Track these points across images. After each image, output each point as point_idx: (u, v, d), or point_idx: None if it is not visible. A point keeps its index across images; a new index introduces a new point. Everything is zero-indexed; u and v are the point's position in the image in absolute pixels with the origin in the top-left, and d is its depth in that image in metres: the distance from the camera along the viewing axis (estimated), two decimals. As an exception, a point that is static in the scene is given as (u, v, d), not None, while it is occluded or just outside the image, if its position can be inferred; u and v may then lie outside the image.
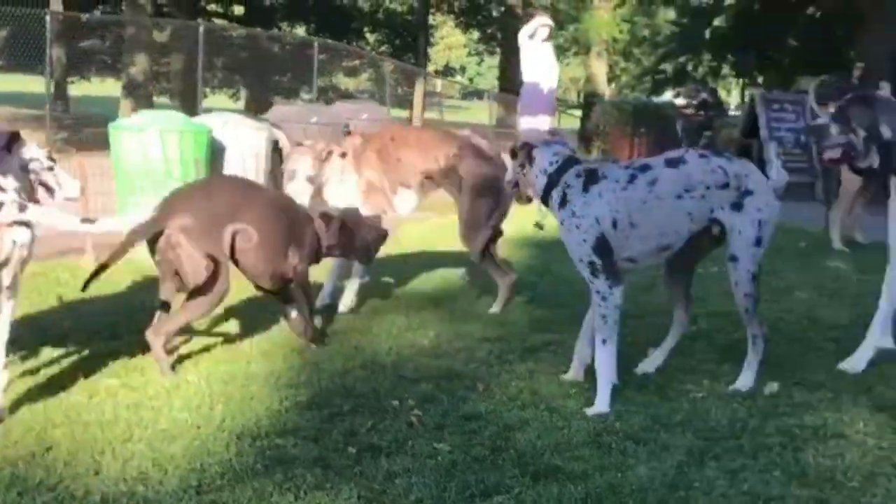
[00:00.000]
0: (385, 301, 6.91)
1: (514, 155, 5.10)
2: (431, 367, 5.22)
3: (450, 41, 70.09)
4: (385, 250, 6.59)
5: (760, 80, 40.82)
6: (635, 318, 6.37)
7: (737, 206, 4.83)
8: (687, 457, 4.06)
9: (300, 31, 39.09)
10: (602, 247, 4.78)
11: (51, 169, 4.97)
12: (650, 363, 5.31)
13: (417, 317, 6.35)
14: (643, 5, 40.70)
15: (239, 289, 6.75)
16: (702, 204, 4.82)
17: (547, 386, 4.94)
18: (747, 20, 37.11)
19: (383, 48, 41.79)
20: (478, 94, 49.22)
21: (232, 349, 5.49)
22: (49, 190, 4.96)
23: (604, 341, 4.79)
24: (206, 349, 5.45)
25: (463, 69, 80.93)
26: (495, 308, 6.64)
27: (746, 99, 17.02)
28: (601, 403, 4.65)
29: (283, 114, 11.12)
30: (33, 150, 4.94)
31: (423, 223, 10.85)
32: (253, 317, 6.24)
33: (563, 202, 4.86)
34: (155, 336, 5.05)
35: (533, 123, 14.40)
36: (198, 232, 5.00)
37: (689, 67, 43.72)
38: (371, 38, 43.62)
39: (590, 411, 4.59)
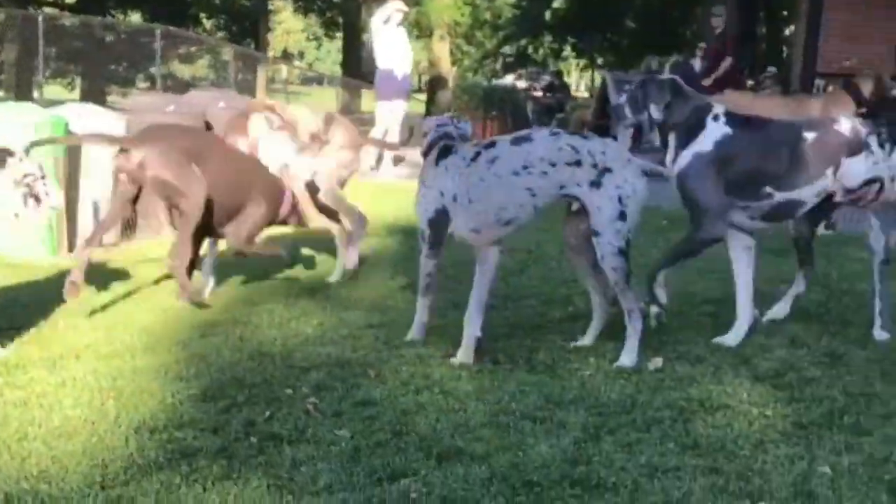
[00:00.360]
0: (261, 291, 6.80)
1: None
2: (320, 355, 5.18)
3: (287, 26, 69.39)
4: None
5: (600, 61, 41.72)
6: (513, 300, 6.49)
7: (595, 184, 4.98)
8: (583, 433, 4.14)
9: (135, 17, 38.09)
10: (439, 219, 5.20)
11: (42, 178, 5.15)
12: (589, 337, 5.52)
13: (297, 306, 6.27)
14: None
15: (115, 282, 6.68)
16: (545, 180, 5.05)
17: (438, 369, 4.96)
18: (586, 2, 37.79)
19: (220, 34, 41.10)
20: (318, 80, 48.82)
21: (114, 344, 5.35)
22: (38, 200, 5.14)
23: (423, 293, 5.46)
24: (88, 346, 5.30)
25: (301, 54, 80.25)
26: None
27: (597, 81, 17.31)
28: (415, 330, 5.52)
29: (141, 103, 10.86)
30: (26, 164, 5.13)
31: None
32: (130, 312, 6.12)
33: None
34: (172, 260, 5.86)
35: (389, 108, 14.51)
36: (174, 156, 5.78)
37: (531, 50, 44.46)
38: (208, 24, 42.81)
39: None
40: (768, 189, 5.43)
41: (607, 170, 4.98)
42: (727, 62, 14.14)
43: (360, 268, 7.25)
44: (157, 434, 4.03)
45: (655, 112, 5.54)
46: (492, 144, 5.23)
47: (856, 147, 5.39)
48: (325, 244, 7.64)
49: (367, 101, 32.31)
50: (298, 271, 7.39)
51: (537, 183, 5.03)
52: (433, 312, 5.59)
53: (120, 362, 4.99)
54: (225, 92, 10.72)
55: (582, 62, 46.46)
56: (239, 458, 3.80)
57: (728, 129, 5.44)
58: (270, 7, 42.62)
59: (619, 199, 4.97)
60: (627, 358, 5.10)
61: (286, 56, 71.00)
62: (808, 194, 5.48)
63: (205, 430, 4.09)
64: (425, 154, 5.37)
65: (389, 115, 14.42)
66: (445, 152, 5.23)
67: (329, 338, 5.53)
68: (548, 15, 40.45)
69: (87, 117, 8.67)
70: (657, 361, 5.11)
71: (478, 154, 5.14)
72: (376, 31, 15.08)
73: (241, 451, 3.87)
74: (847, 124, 5.50)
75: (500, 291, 6.55)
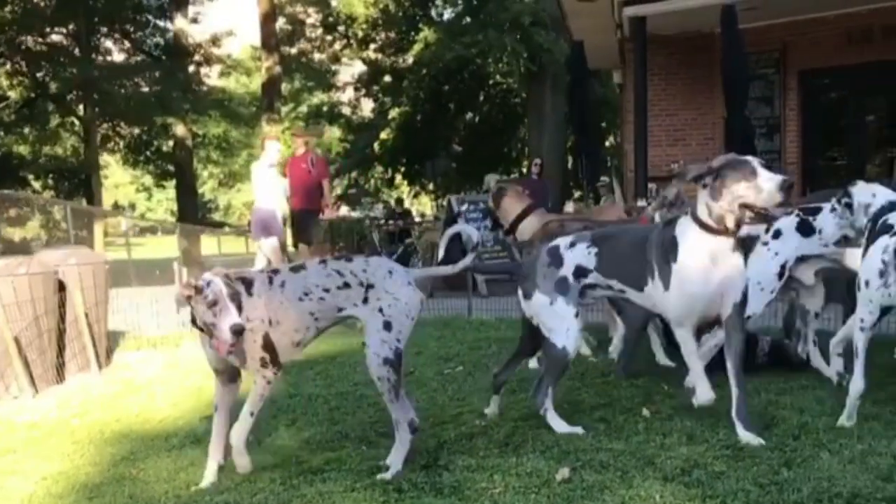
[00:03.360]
0: (143, 444, 6.51)
1: None
2: (218, 504, 4.95)
3: (116, 179, 68.73)
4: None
5: (431, 186, 42.24)
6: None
7: (365, 300, 5.33)
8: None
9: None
10: (269, 342, 5.31)
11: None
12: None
13: (186, 456, 6.00)
14: (309, 126, 41.43)
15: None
16: (323, 304, 5.39)
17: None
18: (411, 131, 38.43)
19: (49, 193, 40.35)
20: (152, 230, 48.28)
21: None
22: None
23: (251, 413, 5.39)
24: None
25: (133, 206, 79.56)
26: None
27: (444, 203, 17.60)
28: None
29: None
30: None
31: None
32: (3, 482, 5.78)
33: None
34: None
35: (268, 244, 14.59)
36: None
37: (362, 181, 44.85)
38: (37, 184, 41.96)
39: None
40: None
41: (370, 286, 5.33)
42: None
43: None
44: None
45: None
46: (277, 271, 5.50)
47: None
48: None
49: (207, 245, 32.05)
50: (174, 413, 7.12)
51: (317, 307, 5.39)
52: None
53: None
54: (76, 249, 10.36)
55: (414, 189, 46.98)
56: None
57: None
58: (101, 162, 42.10)
59: (381, 311, 5.25)
60: (390, 472, 5.15)
61: (117, 208, 70.22)
62: None
63: None
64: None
65: (272, 252, 14.50)
66: (248, 283, 5.35)
67: (224, 485, 5.28)
68: (376, 146, 40.92)
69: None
70: (564, 472, 5.00)
71: (270, 279, 5.39)
72: (258, 173, 15.09)
73: None
74: None
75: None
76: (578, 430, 5.78)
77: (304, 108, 45.07)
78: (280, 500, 4.94)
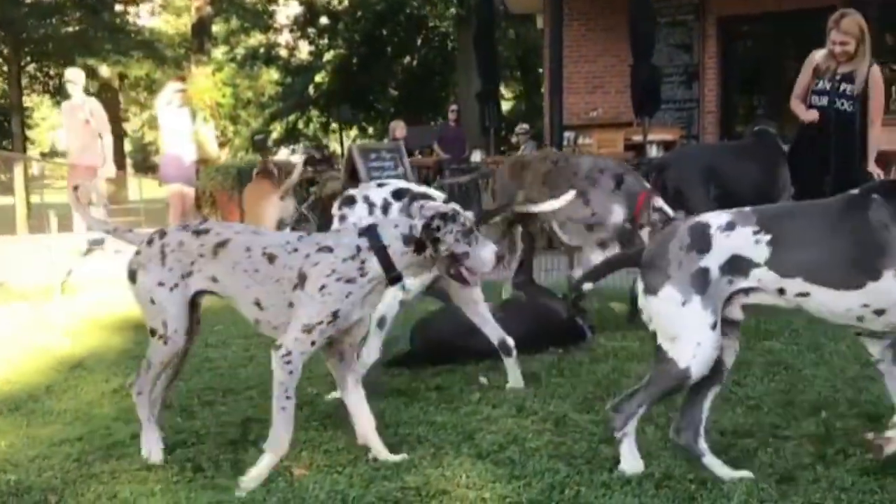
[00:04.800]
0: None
1: None
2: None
3: (53, 122, 67.44)
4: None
5: (371, 130, 41.79)
6: (234, 393, 6.05)
7: None
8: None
9: None
10: None
11: None
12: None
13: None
14: (244, 68, 40.72)
15: None
16: None
17: (129, 485, 4.45)
18: (347, 74, 37.91)
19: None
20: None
21: None
22: None
23: None
24: None
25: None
26: None
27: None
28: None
29: None
30: None
31: None
32: None
33: None
34: None
35: (173, 192, 14.24)
36: None
37: (301, 125, 44.22)
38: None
39: None
40: None
41: None
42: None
43: (75, 372, 6.69)
44: None
45: None
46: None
47: None
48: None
49: (138, 189, 31.42)
50: None
51: None
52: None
53: None
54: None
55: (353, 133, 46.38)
56: None
57: None
58: (29, 104, 41.15)
59: None
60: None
61: (55, 153, 68.89)
62: None
63: None
64: None
65: (178, 199, 14.09)
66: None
67: (14, 461, 4.92)
68: (311, 89, 40.34)
69: None
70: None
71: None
72: (160, 115, 14.70)
73: None
74: None
75: (220, 384, 6.16)
76: (639, 466, 4.34)
77: (240, 51, 44.18)
78: (66, 479, 4.59)
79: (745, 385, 5.61)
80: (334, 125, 42.45)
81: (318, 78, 40.38)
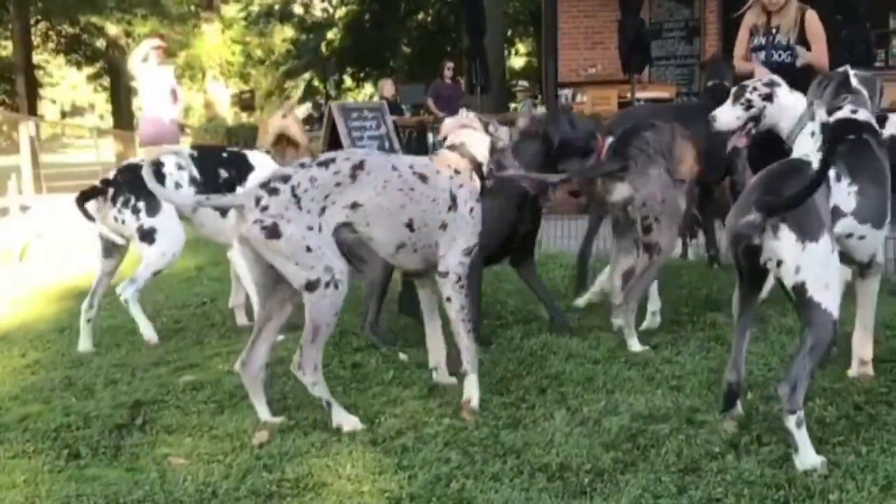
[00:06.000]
0: None
1: None
2: None
3: (73, 81, 67.20)
4: None
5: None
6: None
7: None
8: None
9: None
10: None
11: None
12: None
13: None
14: (256, 25, 40.30)
15: None
16: None
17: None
18: (360, 32, 37.41)
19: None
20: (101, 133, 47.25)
21: None
22: None
23: None
24: None
25: (93, 106, 78.07)
26: None
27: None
28: None
29: None
30: None
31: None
32: None
33: None
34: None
35: (155, 154, 13.74)
36: None
37: (316, 82, 43.80)
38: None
39: None
40: None
41: None
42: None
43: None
44: None
45: None
46: None
47: None
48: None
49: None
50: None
51: None
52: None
53: None
54: None
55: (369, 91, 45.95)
56: None
57: None
58: (40, 62, 40.86)
59: None
60: None
61: (75, 111, 68.93)
62: None
63: None
64: None
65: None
66: None
67: None
68: (323, 47, 39.90)
69: None
70: (263, 435, 4.42)
71: None
72: (137, 74, 14.27)
73: None
74: None
75: (135, 360, 5.88)
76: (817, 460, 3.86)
77: (255, 8, 43.72)
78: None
79: (674, 363, 5.25)
80: (349, 83, 42.11)
81: (330, 35, 39.88)
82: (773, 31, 7.43)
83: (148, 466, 4.15)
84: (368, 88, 42.53)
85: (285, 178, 4.32)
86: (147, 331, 6.32)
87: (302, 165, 4.44)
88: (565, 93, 16.60)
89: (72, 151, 39.65)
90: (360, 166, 4.39)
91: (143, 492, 3.87)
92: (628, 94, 15.08)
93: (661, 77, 16.95)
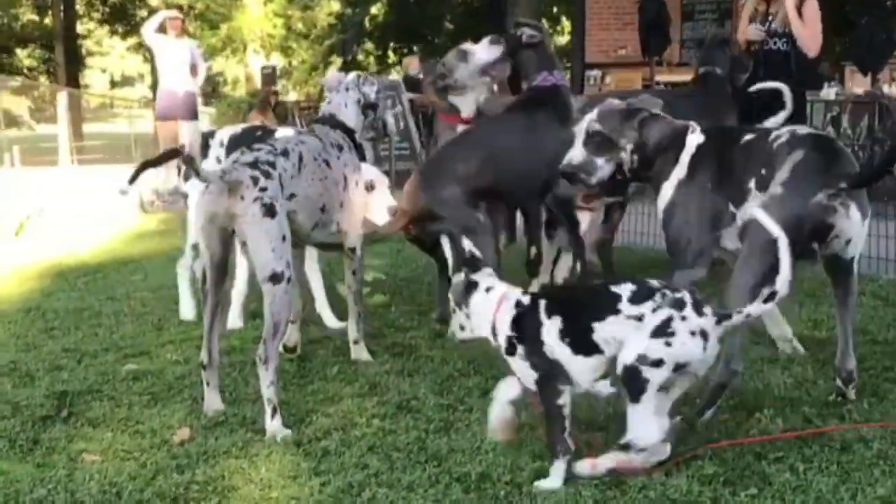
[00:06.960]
0: None
1: None
2: None
3: (121, 51, 67.41)
4: None
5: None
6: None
7: None
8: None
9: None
10: None
11: None
12: None
13: None
14: (295, -1, 40.10)
15: None
16: None
17: None
18: (404, 7, 37.17)
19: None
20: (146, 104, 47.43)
21: None
22: None
23: None
24: None
25: (142, 76, 78.42)
26: None
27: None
28: None
29: None
30: None
31: None
32: None
33: None
34: None
35: (165, 129, 13.67)
36: None
37: (361, 57, 43.60)
38: (23, 54, 40.79)
39: None
40: None
41: None
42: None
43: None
44: None
45: None
46: None
47: None
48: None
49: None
50: None
51: None
52: None
53: None
54: None
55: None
56: None
57: None
58: (84, 31, 40.95)
59: None
60: None
61: (125, 81, 69.12)
62: None
63: None
64: None
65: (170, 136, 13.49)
66: None
67: None
68: (367, 22, 39.65)
69: None
70: (185, 432, 4.26)
71: None
72: (151, 45, 14.20)
73: None
74: None
75: (86, 345, 5.72)
76: None
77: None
78: None
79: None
80: (392, 57, 41.83)
81: (374, 10, 39.61)
82: (770, 18, 7.27)
83: (59, 462, 3.99)
84: (410, 64, 42.31)
85: (272, 164, 4.42)
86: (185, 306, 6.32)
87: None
88: (594, 73, 16.31)
89: (120, 121, 39.70)
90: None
91: (46, 490, 3.72)
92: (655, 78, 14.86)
93: (692, 60, 16.63)
